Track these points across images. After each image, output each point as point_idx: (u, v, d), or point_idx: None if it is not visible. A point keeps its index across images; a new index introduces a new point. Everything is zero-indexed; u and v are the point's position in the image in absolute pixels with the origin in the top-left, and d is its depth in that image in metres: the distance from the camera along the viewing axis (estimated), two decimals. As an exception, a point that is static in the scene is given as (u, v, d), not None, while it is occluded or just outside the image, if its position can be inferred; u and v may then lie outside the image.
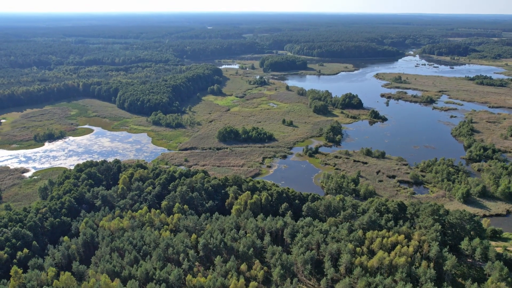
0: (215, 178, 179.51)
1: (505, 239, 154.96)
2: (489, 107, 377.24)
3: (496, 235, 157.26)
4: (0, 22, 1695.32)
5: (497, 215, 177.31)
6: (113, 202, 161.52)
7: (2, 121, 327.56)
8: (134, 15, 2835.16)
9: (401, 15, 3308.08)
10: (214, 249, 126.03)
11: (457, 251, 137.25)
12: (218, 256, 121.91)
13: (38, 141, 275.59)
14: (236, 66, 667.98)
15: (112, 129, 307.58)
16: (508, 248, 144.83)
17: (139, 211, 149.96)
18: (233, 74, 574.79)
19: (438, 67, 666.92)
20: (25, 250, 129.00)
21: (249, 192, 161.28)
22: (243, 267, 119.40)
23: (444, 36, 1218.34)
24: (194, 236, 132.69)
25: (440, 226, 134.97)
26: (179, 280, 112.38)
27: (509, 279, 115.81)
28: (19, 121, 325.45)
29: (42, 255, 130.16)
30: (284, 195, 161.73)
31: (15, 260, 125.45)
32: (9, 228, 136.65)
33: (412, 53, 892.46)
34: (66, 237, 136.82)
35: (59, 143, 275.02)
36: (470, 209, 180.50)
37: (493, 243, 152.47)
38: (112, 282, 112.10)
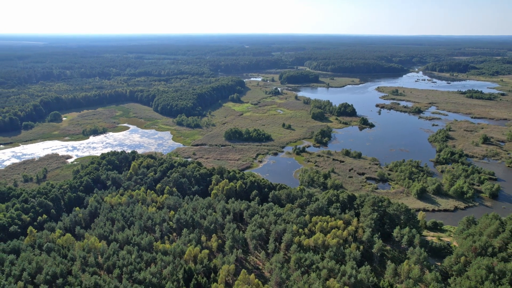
0: (205, 167, 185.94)
1: (444, 231, 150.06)
2: (472, 117, 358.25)
3: (437, 227, 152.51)
4: (81, 41, 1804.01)
5: (445, 210, 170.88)
6: (120, 183, 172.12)
7: (63, 119, 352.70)
8: (187, 36, 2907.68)
9: (415, 37, 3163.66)
10: (184, 223, 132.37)
11: (392, 238, 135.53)
12: (185, 228, 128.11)
13: (85, 135, 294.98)
14: (260, 79, 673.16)
15: (144, 127, 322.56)
16: (441, 238, 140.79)
17: (136, 191, 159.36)
18: (255, 85, 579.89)
19: (436, 82, 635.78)
20: (44, 216, 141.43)
21: (227, 180, 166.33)
22: (203, 238, 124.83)
23: (450, 55, 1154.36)
24: (172, 212, 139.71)
25: (376, 215, 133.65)
26: (149, 244, 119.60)
27: (425, 262, 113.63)
28: (75, 119, 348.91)
29: (56, 220, 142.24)
30: (256, 184, 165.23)
31: (35, 223, 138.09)
32: (36, 198, 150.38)
33: (416, 70, 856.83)
34: (77, 208, 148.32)
35: (100, 137, 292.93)
36: (422, 204, 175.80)
37: (431, 233, 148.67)
38: (99, 243, 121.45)
